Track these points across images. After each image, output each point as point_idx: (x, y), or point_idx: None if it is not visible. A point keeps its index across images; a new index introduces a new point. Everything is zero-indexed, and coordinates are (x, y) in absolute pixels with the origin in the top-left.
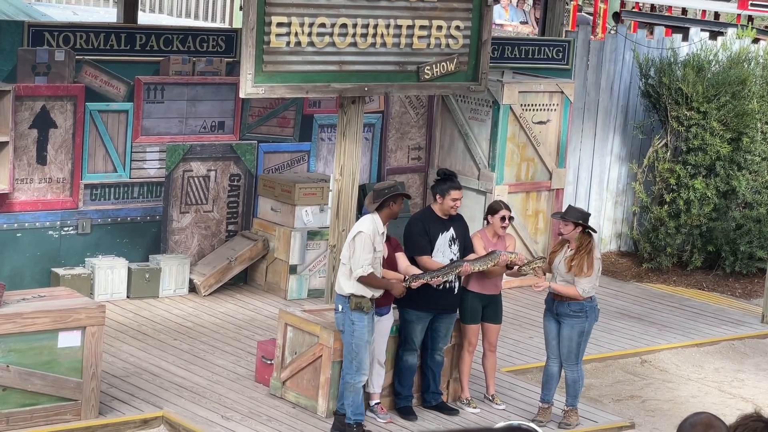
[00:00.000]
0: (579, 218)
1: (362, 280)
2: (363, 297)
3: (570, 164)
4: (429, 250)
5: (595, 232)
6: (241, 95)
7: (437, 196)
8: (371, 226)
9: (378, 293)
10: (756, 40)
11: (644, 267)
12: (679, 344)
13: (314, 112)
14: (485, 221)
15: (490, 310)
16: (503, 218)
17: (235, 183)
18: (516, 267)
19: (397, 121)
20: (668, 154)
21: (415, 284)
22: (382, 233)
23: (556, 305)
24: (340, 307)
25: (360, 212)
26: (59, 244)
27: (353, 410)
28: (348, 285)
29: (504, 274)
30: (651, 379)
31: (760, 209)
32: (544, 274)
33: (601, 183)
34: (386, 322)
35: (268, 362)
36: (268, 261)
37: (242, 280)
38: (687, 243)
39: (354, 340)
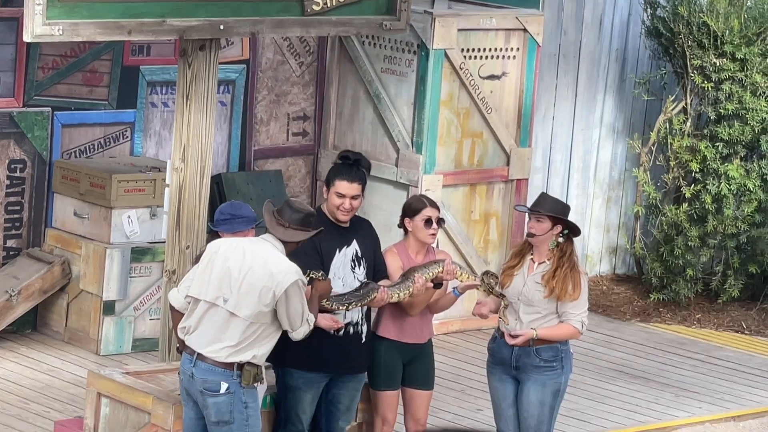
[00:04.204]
0: (558, 212)
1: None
2: (258, 366)
3: (538, 141)
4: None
5: (579, 233)
6: (27, 38)
7: (324, 189)
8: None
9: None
10: None
11: (653, 299)
12: (707, 417)
13: (140, 63)
14: (403, 228)
15: (415, 368)
16: (429, 221)
17: (17, 174)
18: (445, 282)
19: (271, 77)
20: (688, 124)
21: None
22: None
23: (518, 354)
24: (223, 387)
25: (212, 219)
26: None
27: None
28: (247, 352)
29: (431, 308)
30: None
31: None
32: (492, 291)
33: (585, 170)
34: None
35: None
36: (70, 295)
37: (30, 325)
38: (718, 262)
39: None
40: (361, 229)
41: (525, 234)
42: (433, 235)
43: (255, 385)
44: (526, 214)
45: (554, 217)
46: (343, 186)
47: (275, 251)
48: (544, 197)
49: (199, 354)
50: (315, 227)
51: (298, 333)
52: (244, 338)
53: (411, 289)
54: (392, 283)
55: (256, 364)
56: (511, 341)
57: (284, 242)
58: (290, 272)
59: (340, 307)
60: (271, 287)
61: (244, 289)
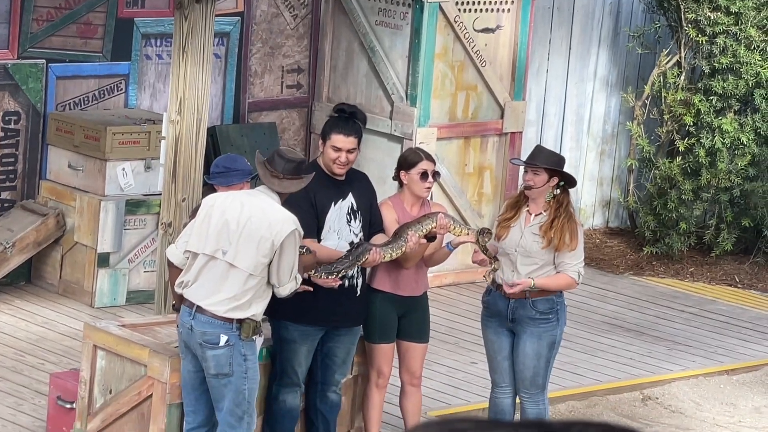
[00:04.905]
0: (554, 164)
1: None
2: (256, 321)
3: (532, 95)
4: (315, 229)
5: (575, 184)
6: None
7: (320, 143)
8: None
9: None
10: None
11: (646, 252)
12: (699, 371)
13: (135, 15)
14: (398, 181)
15: (410, 320)
16: (425, 174)
17: (12, 126)
18: (439, 235)
19: (265, 29)
20: (682, 78)
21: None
22: None
23: (514, 306)
24: (222, 340)
25: (208, 172)
26: None
27: None
28: (246, 310)
29: (426, 261)
30: (658, 425)
31: None
32: (486, 251)
33: (579, 124)
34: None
35: (68, 406)
36: (64, 247)
37: (24, 278)
38: (711, 215)
39: (248, 385)
40: (356, 182)
41: (522, 187)
42: (429, 188)
43: (254, 337)
44: (522, 167)
45: (550, 169)
46: (339, 140)
47: (272, 202)
48: (539, 150)
49: (198, 306)
50: (307, 173)
51: (285, 288)
52: (243, 291)
53: (404, 248)
54: (385, 242)
55: (255, 319)
56: (509, 290)
57: (279, 193)
58: (288, 221)
59: (329, 276)
60: (269, 237)
61: (243, 240)
